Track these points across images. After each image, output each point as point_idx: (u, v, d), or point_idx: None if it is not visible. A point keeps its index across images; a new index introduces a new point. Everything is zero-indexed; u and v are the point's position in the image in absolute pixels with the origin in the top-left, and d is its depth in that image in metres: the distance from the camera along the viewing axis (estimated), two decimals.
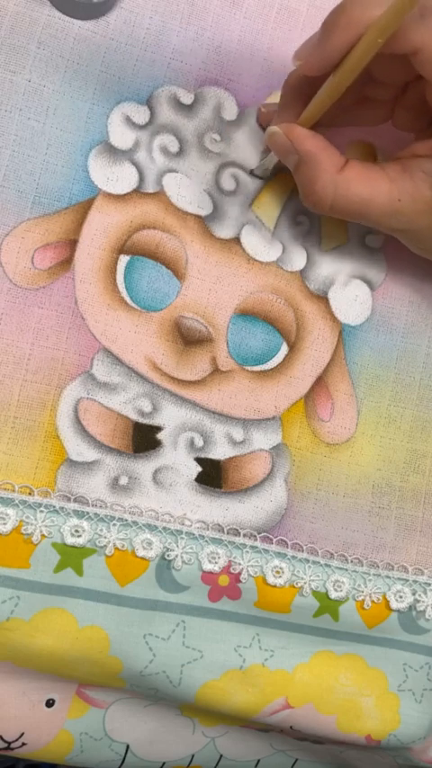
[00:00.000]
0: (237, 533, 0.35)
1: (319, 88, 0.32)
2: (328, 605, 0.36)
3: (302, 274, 0.37)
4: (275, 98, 0.36)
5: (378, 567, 0.37)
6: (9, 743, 0.35)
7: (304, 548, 0.36)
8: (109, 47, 0.35)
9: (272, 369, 0.37)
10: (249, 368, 0.36)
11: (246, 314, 0.36)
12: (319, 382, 0.37)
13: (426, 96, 0.32)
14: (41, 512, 0.32)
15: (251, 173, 0.37)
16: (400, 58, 0.30)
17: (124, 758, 0.38)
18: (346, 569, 0.37)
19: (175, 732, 0.38)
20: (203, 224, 0.36)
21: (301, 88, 0.33)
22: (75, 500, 0.33)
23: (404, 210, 0.33)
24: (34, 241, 0.34)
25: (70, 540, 0.33)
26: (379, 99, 0.34)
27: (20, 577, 0.32)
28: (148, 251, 0.35)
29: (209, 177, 0.36)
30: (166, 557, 0.34)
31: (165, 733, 0.38)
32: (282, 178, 0.37)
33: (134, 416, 0.34)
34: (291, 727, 0.36)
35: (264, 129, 0.36)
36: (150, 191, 0.35)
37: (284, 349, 0.37)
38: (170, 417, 0.35)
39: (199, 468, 0.35)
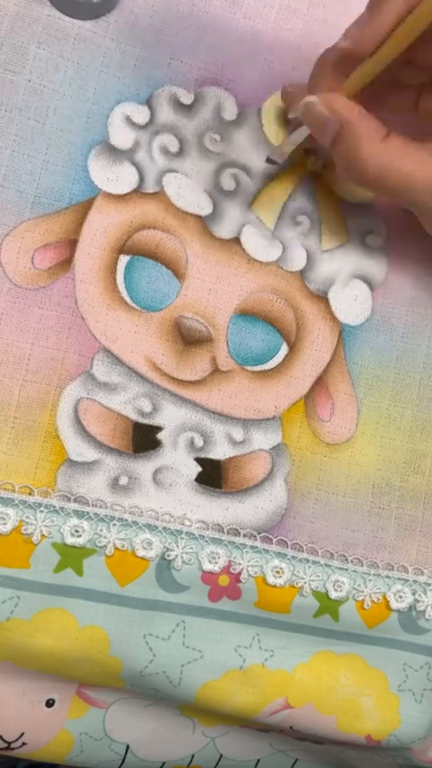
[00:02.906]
0: (237, 533, 0.35)
1: (353, 68, 0.31)
2: (328, 605, 0.36)
3: (302, 274, 0.37)
4: (277, 98, 0.36)
5: (378, 567, 0.37)
6: (9, 743, 0.35)
7: (304, 548, 0.36)
8: (109, 47, 0.35)
9: (272, 369, 0.37)
10: (249, 368, 0.36)
11: (246, 314, 0.36)
12: (319, 382, 0.37)
13: None
14: (41, 512, 0.32)
15: (267, 160, 0.36)
16: None
17: (124, 758, 0.38)
18: (347, 569, 0.37)
19: (174, 732, 0.38)
20: (203, 224, 0.36)
21: (338, 67, 0.32)
22: (75, 500, 0.33)
23: None
24: (34, 241, 0.34)
25: (70, 540, 0.33)
26: (409, 84, 0.34)
27: (20, 577, 0.32)
28: (148, 251, 0.35)
29: (209, 177, 0.36)
30: (166, 557, 0.34)
31: (165, 733, 0.38)
32: (282, 178, 0.37)
33: (134, 416, 0.34)
34: (291, 727, 0.36)
35: (287, 107, 0.35)
36: (150, 191, 0.35)
37: (284, 349, 0.37)
38: (170, 417, 0.35)
39: (199, 468, 0.35)
